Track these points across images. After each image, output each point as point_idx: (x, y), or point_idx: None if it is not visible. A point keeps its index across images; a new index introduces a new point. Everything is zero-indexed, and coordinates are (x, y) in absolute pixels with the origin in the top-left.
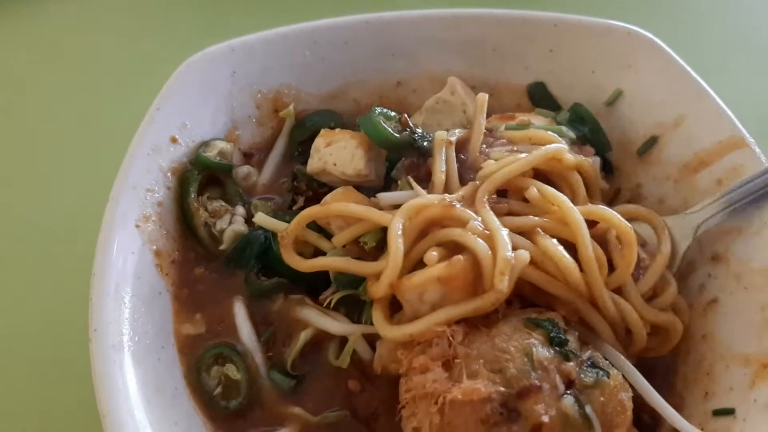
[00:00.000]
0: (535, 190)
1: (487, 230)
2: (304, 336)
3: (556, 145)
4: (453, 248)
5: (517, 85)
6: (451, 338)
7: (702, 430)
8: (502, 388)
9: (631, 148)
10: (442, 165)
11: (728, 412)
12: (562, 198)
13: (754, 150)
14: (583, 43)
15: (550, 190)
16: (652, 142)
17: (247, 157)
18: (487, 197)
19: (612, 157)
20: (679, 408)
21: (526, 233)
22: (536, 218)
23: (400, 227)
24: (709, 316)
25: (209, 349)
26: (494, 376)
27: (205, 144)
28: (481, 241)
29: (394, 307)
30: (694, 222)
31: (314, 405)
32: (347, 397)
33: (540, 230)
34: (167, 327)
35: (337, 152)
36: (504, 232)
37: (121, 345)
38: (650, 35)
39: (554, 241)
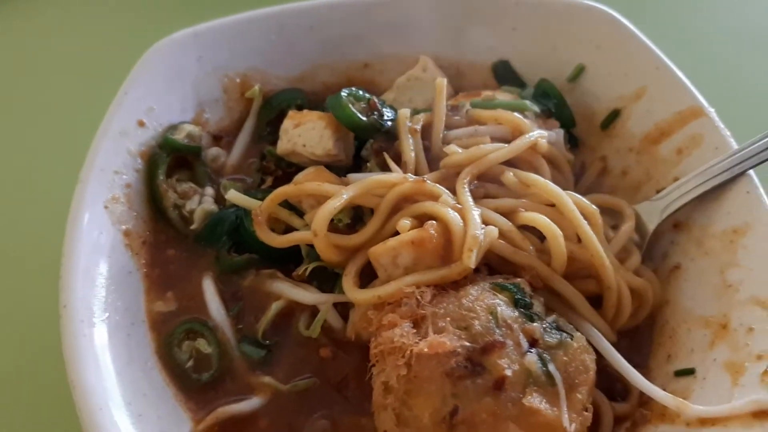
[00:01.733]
0: (512, 174)
1: (459, 205)
2: (275, 306)
3: (538, 132)
4: (426, 220)
5: (483, 65)
6: (419, 298)
7: (664, 390)
8: (467, 343)
9: (594, 122)
10: (411, 144)
11: (689, 372)
12: (537, 178)
13: (713, 119)
14: (544, 21)
15: (526, 174)
16: (614, 115)
17: (216, 139)
18: (468, 179)
19: (577, 132)
20: (645, 371)
21: (506, 214)
22: (515, 200)
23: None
24: (672, 283)
25: (180, 325)
26: (460, 332)
27: (173, 127)
28: (452, 212)
29: (368, 279)
30: (660, 206)
31: (285, 374)
32: (318, 365)
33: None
34: (137, 304)
35: (305, 133)
36: (476, 213)
37: (91, 320)
38: (610, 10)
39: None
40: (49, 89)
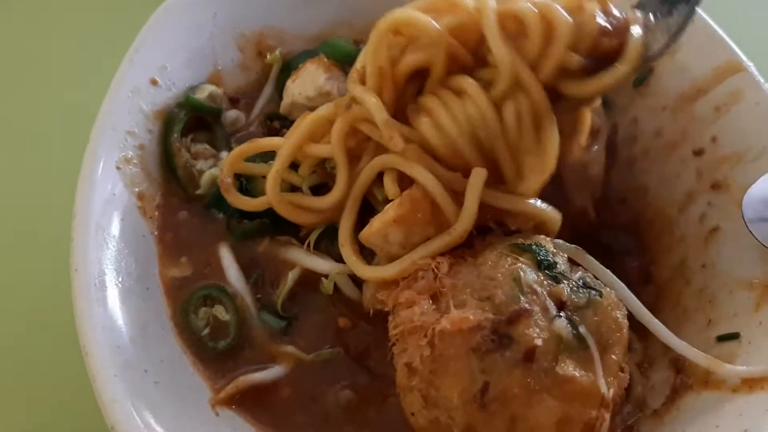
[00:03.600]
0: None
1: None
2: (292, 276)
3: None
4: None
5: None
6: (436, 270)
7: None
8: (492, 315)
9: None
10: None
11: (733, 336)
12: None
13: (752, 73)
14: None
15: None
16: (647, 72)
17: (233, 102)
18: None
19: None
20: (680, 337)
21: None
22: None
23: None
24: (710, 246)
25: (197, 290)
26: (483, 304)
27: (195, 87)
28: (425, 172)
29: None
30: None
31: (306, 344)
32: (339, 335)
33: None
34: (151, 269)
35: (301, 82)
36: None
37: (104, 284)
38: None
39: None
40: (59, 48)
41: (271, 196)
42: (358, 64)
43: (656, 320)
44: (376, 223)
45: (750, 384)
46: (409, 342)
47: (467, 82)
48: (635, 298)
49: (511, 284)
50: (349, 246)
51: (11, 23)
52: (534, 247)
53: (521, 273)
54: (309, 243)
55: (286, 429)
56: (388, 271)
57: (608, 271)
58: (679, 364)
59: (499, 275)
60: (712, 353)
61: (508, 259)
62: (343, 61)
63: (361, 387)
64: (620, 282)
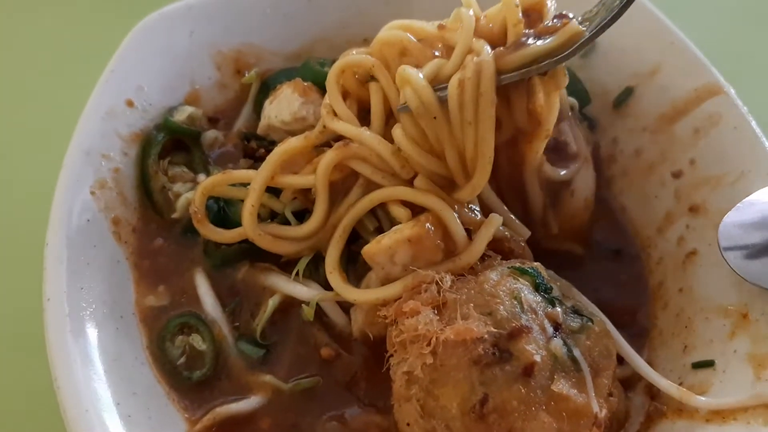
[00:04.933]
0: None
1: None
2: (272, 303)
3: None
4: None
5: None
6: (440, 284)
7: (681, 383)
8: (494, 329)
9: (607, 101)
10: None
11: (708, 364)
12: None
13: (731, 96)
14: None
15: None
16: (627, 93)
17: (212, 121)
18: None
19: (590, 111)
20: (656, 362)
21: None
22: None
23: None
24: (688, 269)
25: (174, 318)
26: (485, 318)
27: (173, 108)
28: (439, 201)
29: (358, 271)
30: None
31: (286, 373)
32: (322, 365)
33: None
34: (126, 296)
35: (277, 105)
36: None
37: (76, 314)
38: None
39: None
40: (32, 69)
41: (249, 231)
42: (326, 98)
43: (633, 351)
44: (385, 239)
45: (722, 415)
46: (411, 351)
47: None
48: (614, 327)
49: (512, 301)
50: (337, 273)
51: None
52: (532, 271)
53: (522, 293)
54: (297, 272)
55: None
56: (389, 290)
57: (591, 303)
58: (653, 391)
59: (501, 293)
60: (687, 380)
61: (509, 279)
62: (321, 85)
63: (349, 417)
64: (602, 314)
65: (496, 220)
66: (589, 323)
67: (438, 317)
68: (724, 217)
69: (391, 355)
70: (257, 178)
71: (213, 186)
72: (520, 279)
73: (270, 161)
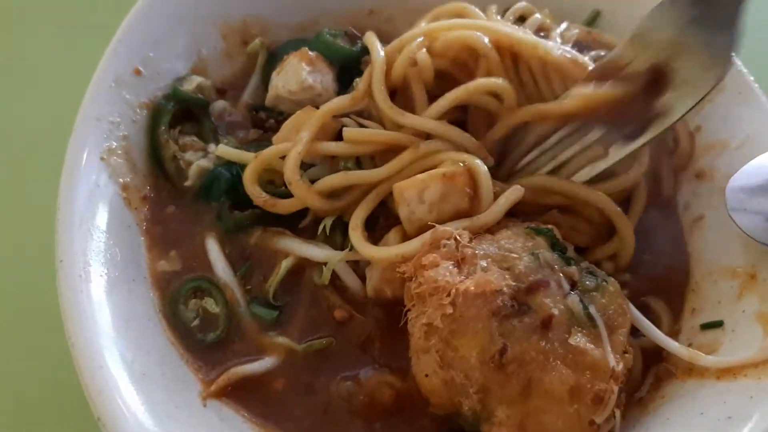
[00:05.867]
0: None
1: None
2: (285, 264)
3: None
4: None
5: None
6: (458, 239)
7: (690, 344)
8: (513, 282)
9: None
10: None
11: (717, 324)
12: None
13: (735, 62)
14: None
15: None
16: None
17: (219, 92)
18: None
19: None
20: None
21: None
22: None
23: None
24: (695, 234)
25: (187, 282)
26: (503, 272)
27: (182, 78)
28: (478, 161)
29: (376, 236)
30: None
31: (299, 335)
32: (336, 326)
33: None
34: (138, 260)
35: (284, 75)
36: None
37: (89, 276)
38: None
39: None
40: (42, 37)
41: (292, 178)
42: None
43: (640, 314)
44: (421, 175)
45: (733, 371)
46: (430, 303)
47: None
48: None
49: (530, 257)
50: (359, 231)
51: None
52: (547, 231)
53: (539, 249)
54: (323, 227)
55: (282, 421)
56: (408, 247)
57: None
58: (663, 354)
59: (519, 248)
60: (696, 341)
61: (526, 237)
62: (339, 62)
63: (363, 377)
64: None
65: (518, 191)
66: (604, 283)
67: (457, 270)
68: (731, 180)
69: (409, 310)
70: (307, 129)
71: (263, 163)
72: (536, 237)
73: (318, 116)
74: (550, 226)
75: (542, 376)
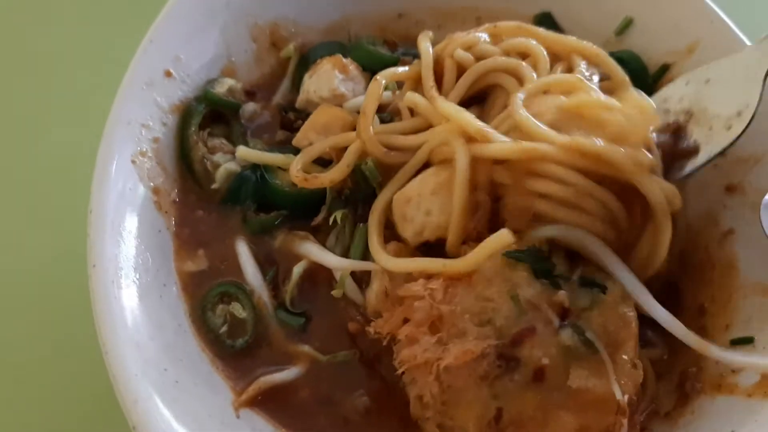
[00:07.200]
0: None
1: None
2: (296, 270)
3: None
4: None
5: (524, 16)
6: (431, 298)
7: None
8: (495, 341)
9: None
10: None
11: (747, 341)
12: None
13: None
14: None
15: None
16: (663, 70)
17: (249, 95)
18: None
19: None
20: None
21: None
22: None
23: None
24: (726, 248)
25: (214, 287)
26: (484, 329)
27: (213, 80)
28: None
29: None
30: None
31: (321, 344)
32: (352, 339)
33: None
34: (168, 265)
35: (317, 79)
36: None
37: (120, 281)
38: None
39: None
40: (73, 39)
41: (369, 109)
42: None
43: (666, 312)
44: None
45: (765, 389)
46: (417, 375)
47: None
48: (643, 287)
49: (509, 304)
50: (376, 235)
51: (23, 12)
52: (526, 255)
53: (518, 290)
54: (335, 218)
55: (308, 430)
56: (415, 263)
57: (610, 252)
58: (688, 374)
59: (496, 295)
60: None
61: (504, 271)
62: (374, 66)
63: (377, 395)
64: (623, 268)
65: (507, 239)
66: (600, 294)
67: (435, 339)
68: (766, 195)
69: (403, 372)
70: (369, 98)
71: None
72: (515, 271)
73: (379, 80)
74: (530, 242)
75: (543, 431)
